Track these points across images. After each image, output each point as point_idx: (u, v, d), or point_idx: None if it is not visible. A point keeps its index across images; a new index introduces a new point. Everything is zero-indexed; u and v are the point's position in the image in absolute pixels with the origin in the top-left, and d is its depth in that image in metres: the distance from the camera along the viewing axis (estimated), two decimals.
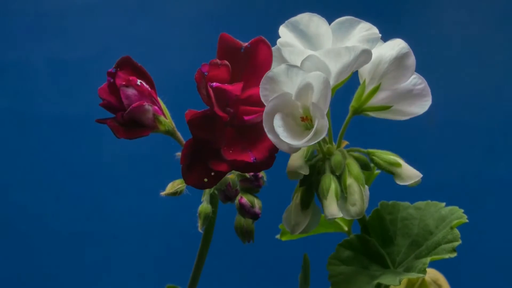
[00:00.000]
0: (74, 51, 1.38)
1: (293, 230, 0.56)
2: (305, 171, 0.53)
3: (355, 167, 0.53)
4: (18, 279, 1.34)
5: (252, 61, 0.53)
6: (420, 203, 0.61)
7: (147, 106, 0.54)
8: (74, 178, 1.36)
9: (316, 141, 0.48)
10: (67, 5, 1.39)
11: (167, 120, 0.56)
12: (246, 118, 0.51)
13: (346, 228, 0.70)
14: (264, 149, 0.50)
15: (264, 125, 0.49)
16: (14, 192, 1.36)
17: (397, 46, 0.53)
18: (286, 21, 0.54)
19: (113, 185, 1.36)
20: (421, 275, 0.54)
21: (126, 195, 1.35)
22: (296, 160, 0.53)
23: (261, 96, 0.50)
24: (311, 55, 0.49)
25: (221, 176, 0.52)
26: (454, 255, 0.55)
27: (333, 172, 0.53)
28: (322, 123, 0.48)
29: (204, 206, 0.58)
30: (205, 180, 0.51)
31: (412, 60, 0.53)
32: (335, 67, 0.50)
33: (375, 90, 0.54)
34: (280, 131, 0.49)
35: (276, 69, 0.50)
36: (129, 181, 1.36)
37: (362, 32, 0.52)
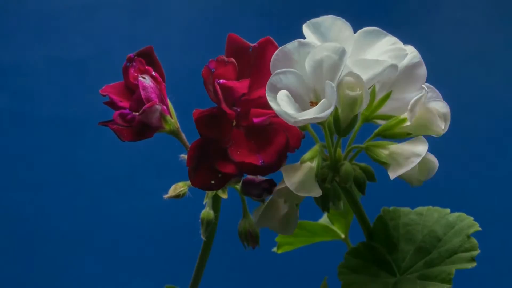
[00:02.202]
0: (74, 51, 1.38)
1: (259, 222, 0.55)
2: (318, 193, 0.51)
3: (378, 143, 0.52)
4: (18, 280, 1.34)
5: (260, 62, 0.53)
6: (421, 209, 0.60)
7: (157, 105, 0.54)
8: (74, 178, 1.36)
9: (323, 115, 0.47)
10: (67, 5, 1.39)
11: (173, 120, 0.56)
12: (255, 120, 0.51)
13: (343, 236, 0.70)
14: (273, 152, 0.50)
15: (267, 93, 0.48)
16: (13, 192, 1.35)
17: (408, 54, 0.52)
18: (308, 21, 0.52)
19: (113, 185, 1.36)
20: (445, 285, 0.53)
21: (126, 195, 1.35)
22: (306, 182, 0.51)
23: (270, 67, 0.50)
24: None
25: (228, 178, 0.51)
26: (473, 264, 0.54)
27: (343, 183, 0.52)
28: (330, 97, 0.47)
29: (207, 212, 0.58)
30: (212, 182, 0.50)
31: (423, 70, 0.52)
32: (362, 77, 0.49)
33: (386, 98, 0.52)
34: (282, 104, 0.48)
35: (290, 45, 0.50)
36: (129, 181, 1.36)
37: (388, 46, 0.52)
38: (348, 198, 0.58)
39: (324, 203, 0.53)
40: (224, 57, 0.51)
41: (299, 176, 0.50)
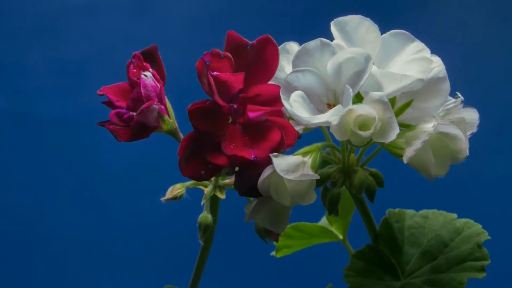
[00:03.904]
0: (74, 51, 1.38)
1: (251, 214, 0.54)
2: (311, 199, 0.49)
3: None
4: (18, 279, 1.34)
5: (258, 59, 0.53)
6: (426, 212, 0.60)
7: (155, 105, 0.53)
8: (74, 178, 1.36)
9: (335, 118, 0.46)
10: (67, 5, 1.39)
11: (171, 120, 0.56)
12: (251, 115, 0.50)
13: (341, 237, 0.69)
14: (267, 148, 0.50)
15: (281, 92, 0.48)
16: (13, 192, 1.35)
17: (436, 67, 0.51)
18: (335, 19, 0.52)
19: (112, 185, 1.36)
20: None
21: (126, 195, 1.35)
22: (297, 167, 0.49)
23: (292, 63, 0.49)
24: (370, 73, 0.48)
25: (218, 169, 0.51)
26: (483, 274, 0.54)
27: (356, 192, 0.51)
28: (346, 103, 0.46)
29: (204, 216, 0.58)
30: (202, 172, 0.50)
31: (447, 86, 0.51)
32: (387, 88, 0.49)
33: (407, 106, 0.51)
34: (295, 106, 0.47)
35: (313, 43, 0.49)
36: (129, 181, 1.36)
37: (415, 53, 0.51)
38: (355, 200, 0.57)
39: (332, 206, 0.53)
40: (219, 51, 0.51)
41: (289, 163, 0.49)
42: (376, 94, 0.47)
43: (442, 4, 1.40)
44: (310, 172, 0.49)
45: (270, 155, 0.49)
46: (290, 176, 0.48)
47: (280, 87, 0.52)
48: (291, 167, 0.49)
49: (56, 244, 1.34)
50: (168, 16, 1.40)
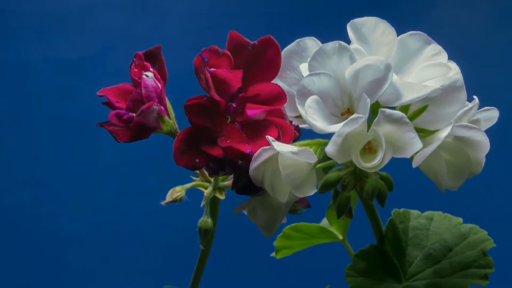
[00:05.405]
0: (74, 51, 1.38)
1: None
2: (308, 190, 0.49)
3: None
4: (17, 279, 1.33)
5: (259, 60, 0.53)
6: (431, 213, 0.60)
7: (155, 106, 0.53)
8: (74, 178, 1.36)
9: (349, 128, 0.45)
10: (67, 5, 1.39)
11: (171, 121, 0.56)
12: (249, 113, 0.51)
13: (340, 237, 0.69)
14: (262, 145, 0.50)
15: (296, 97, 0.47)
16: (13, 192, 1.35)
17: (453, 75, 0.51)
18: (351, 21, 0.51)
19: (113, 185, 1.36)
20: None
21: (126, 195, 1.35)
22: (296, 177, 0.48)
23: (308, 68, 0.49)
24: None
25: (211, 158, 0.51)
26: (486, 282, 0.54)
27: (368, 199, 0.51)
28: (362, 113, 0.45)
29: (204, 220, 0.58)
30: (197, 160, 0.50)
31: (463, 95, 0.51)
32: (406, 97, 0.48)
33: (422, 110, 0.51)
34: (310, 112, 0.47)
35: (330, 44, 0.48)
36: (129, 181, 1.36)
37: (432, 58, 0.50)
38: (364, 203, 0.57)
39: (340, 210, 0.52)
40: (217, 47, 0.51)
41: (287, 147, 0.48)
42: (397, 114, 0.46)
43: (446, 5, 1.40)
44: (312, 153, 0.48)
45: (267, 136, 0.48)
46: (287, 149, 0.47)
47: (279, 86, 0.52)
48: (289, 149, 0.48)
49: (55, 244, 1.34)
50: (168, 16, 1.40)
